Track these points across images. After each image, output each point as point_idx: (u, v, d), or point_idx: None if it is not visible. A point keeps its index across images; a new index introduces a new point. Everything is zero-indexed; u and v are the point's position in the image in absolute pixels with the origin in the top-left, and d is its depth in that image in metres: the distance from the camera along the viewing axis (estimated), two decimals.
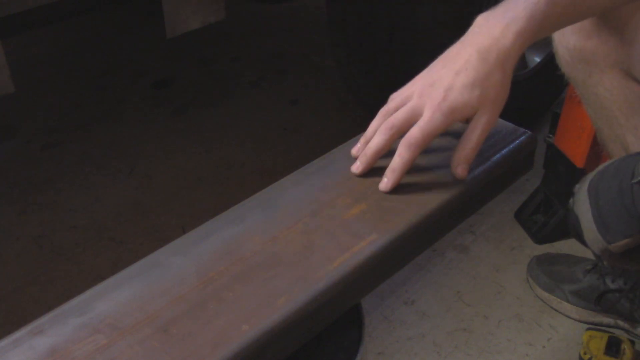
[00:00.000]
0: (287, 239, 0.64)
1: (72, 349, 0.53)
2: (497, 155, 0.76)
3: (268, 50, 2.37)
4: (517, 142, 0.78)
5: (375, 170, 0.73)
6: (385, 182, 0.69)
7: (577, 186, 0.77)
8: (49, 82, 2.23)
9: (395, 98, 0.73)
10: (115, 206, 1.66)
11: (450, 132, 0.77)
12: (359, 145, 0.74)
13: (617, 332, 1.26)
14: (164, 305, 0.57)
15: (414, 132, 0.68)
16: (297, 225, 0.66)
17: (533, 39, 0.71)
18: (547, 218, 1.50)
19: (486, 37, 0.69)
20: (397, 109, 0.71)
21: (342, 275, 0.60)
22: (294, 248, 0.63)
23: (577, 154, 1.41)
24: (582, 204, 0.73)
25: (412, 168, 0.73)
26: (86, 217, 1.62)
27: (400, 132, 0.70)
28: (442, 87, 0.69)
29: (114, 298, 0.58)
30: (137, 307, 0.57)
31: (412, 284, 1.41)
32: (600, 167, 0.74)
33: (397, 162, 0.69)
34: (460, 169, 0.69)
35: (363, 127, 0.84)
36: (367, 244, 0.63)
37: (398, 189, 0.70)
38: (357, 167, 0.72)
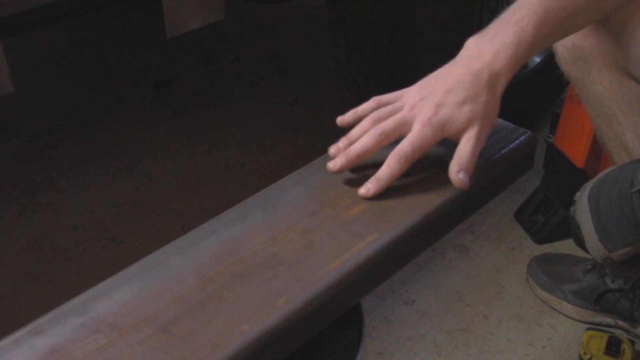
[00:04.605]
0: (287, 239, 0.64)
1: (72, 349, 0.53)
2: (497, 155, 0.76)
3: (268, 50, 2.37)
4: (517, 142, 0.78)
5: (375, 170, 0.73)
6: (367, 189, 0.69)
7: (577, 194, 0.77)
8: (49, 82, 2.23)
9: (383, 102, 0.75)
10: (115, 206, 1.66)
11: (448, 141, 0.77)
12: (340, 144, 0.73)
13: (617, 332, 1.26)
14: (164, 305, 0.57)
15: (404, 146, 0.70)
16: (297, 225, 0.66)
17: (523, 61, 0.73)
18: (547, 218, 1.50)
19: (478, 60, 0.72)
20: (387, 117, 0.72)
21: (342, 275, 0.60)
22: (294, 248, 0.63)
23: (577, 154, 1.41)
24: (583, 212, 0.74)
25: (412, 168, 0.73)
26: (86, 217, 1.62)
27: (388, 140, 0.71)
28: (434, 102, 0.71)
29: (114, 298, 0.58)
30: (137, 307, 0.57)
31: (412, 284, 1.41)
32: (601, 174, 0.75)
33: (385, 173, 0.69)
34: (461, 174, 0.69)
35: None
36: (367, 244, 0.63)
37: (398, 189, 0.70)
38: (334, 164, 0.71)
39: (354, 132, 0.73)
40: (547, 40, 0.76)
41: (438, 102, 0.70)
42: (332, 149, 0.73)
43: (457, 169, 0.69)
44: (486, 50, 0.72)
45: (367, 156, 0.71)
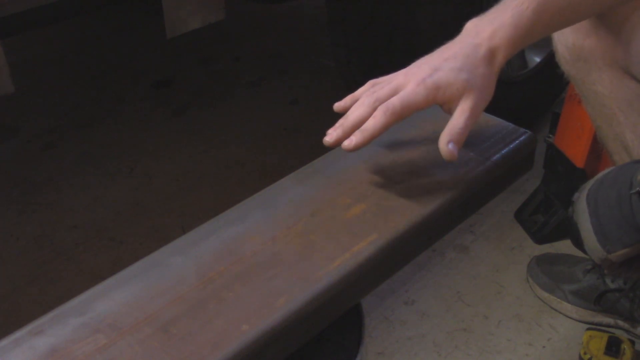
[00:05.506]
0: (287, 239, 0.64)
1: (72, 349, 0.53)
2: (497, 155, 0.76)
3: (268, 50, 2.37)
4: (517, 142, 0.79)
5: (375, 170, 0.73)
6: (351, 140, 0.68)
7: (576, 195, 0.77)
8: (49, 82, 2.23)
9: (378, 83, 0.74)
10: (115, 206, 1.66)
11: None
12: (336, 125, 0.71)
13: (617, 332, 1.26)
14: (164, 305, 0.57)
15: (393, 99, 0.68)
16: (297, 225, 0.66)
17: (521, 45, 0.72)
18: (547, 218, 1.50)
19: (476, 37, 0.71)
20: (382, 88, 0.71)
21: (342, 275, 0.60)
22: (294, 248, 0.63)
23: (577, 154, 1.41)
24: (581, 213, 0.74)
25: (412, 168, 0.73)
26: (86, 217, 1.62)
27: None
28: (430, 66, 0.69)
29: (114, 298, 0.58)
30: (137, 307, 0.57)
31: (412, 284, 1.41)
32: (599, 175, 0.75)
33: (370, 124, 0.67)
34: (451, 145, 0.67)
35: None
36: (367, 244, 0.63)
37: (398, 189, 0.70)
38: (331, 137, 0.69)
39: (350, 110, 0.72)
40: (547, 27, 0.75)
41: (435, 67, 0.69)
42: (330, 130, 0.71)
43: (448, 139, 0.67)
44: (484, 29, 0.71)
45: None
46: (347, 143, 0.68)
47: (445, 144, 0.67)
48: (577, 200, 0.76)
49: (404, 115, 0.68)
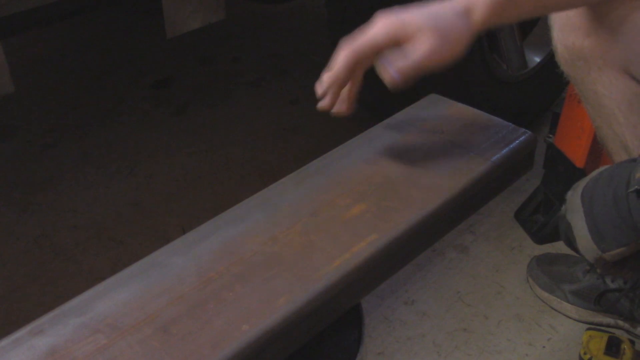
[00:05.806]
0: (287, 239, 0.64)
1: (72, 349, 0.53)
2: (497, 155, 0.76)
3: (268, 50, 2.37)
4: (517, 142, 0.79)
5: (375, 170, 0.73)
6: (322, 87, 0.71)
7: (569, 193, 0.76)
8: (49, 82, 2.23)
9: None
10: (115, 206, 1.66)
11: (449, 135, 0.77)
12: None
13: (617, 332, 1.26)
14: (164, 305, 0.57)
15: (355, 37, 0.70)
16: (297, 225, 0.66)
17: (502, 13, 0.72)
18: (547, 218, 1.50)
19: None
20: None
21: (342, 275, 0.60)
22: (294, 248, 0.63)
23: (577, 154, 1.41)
24: (575, 212, 0.73)
25: (412, 168, 0.73)
26: (86, 217, 1.62)
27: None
28: (400, 11, 0.70)
29: (114, 298, 0.58)
30: (137, 307, 0.57)
31: (412, 284, 1.41)
32: (594, 173, 0.74)
33: (333, 66, 0.71)
34: (391, 69, 0.68)
35: (363, 127, 0.84)
36: (367, 244, 0.63)
37: (398, 189, 0.70)
38: (320, 102, 0.72)
39: None
40: (533, 3, 0.74)
41: (404, 11, 0.70)
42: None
43: (392, 64, 0.68)
44: None
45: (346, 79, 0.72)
46: (319, 89, 0.71)
47: (386, 66, 0.69)
48: (570, 199, 0.76)
49: (365, 52, 0.70)
